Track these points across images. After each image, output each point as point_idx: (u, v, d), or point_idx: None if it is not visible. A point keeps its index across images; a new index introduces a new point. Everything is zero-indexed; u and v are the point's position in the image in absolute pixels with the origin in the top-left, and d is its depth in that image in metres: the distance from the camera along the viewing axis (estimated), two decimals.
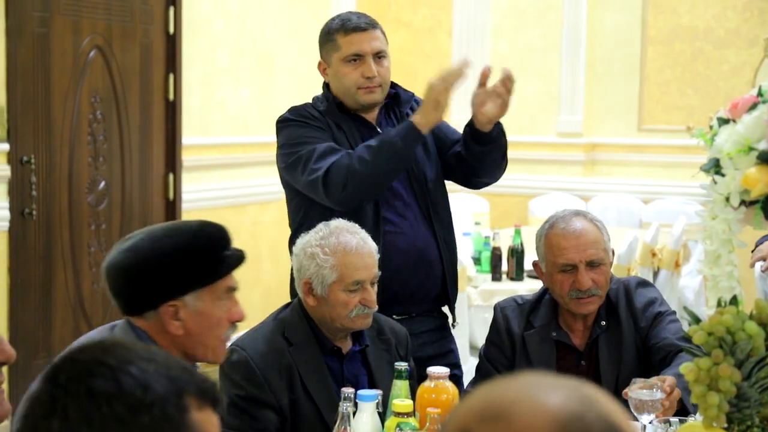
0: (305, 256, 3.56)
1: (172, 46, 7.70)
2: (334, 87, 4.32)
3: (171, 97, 7.72)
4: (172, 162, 7.74)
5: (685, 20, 9.37)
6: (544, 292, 4.02)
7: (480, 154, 4.22)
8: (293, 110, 4.35)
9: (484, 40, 9.93)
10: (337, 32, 4.28)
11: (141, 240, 2.94)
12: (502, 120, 4.20)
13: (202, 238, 2.98)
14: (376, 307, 3.60)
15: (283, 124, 4.30)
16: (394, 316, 4.05)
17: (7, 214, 6.43)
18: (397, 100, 4.42)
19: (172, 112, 7.72)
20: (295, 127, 4.25)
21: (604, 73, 9.67)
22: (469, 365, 6.28)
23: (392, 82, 4.39)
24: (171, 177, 7.76)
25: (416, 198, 4.30)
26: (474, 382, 4.01)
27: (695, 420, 3.05)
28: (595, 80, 9.68)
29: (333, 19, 4.39)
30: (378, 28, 4.33)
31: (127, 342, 1.80)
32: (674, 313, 3.88)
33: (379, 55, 4.26)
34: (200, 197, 7.96)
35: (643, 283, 4.06)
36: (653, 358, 3.74)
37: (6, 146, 6.50)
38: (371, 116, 4.35)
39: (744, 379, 2.53)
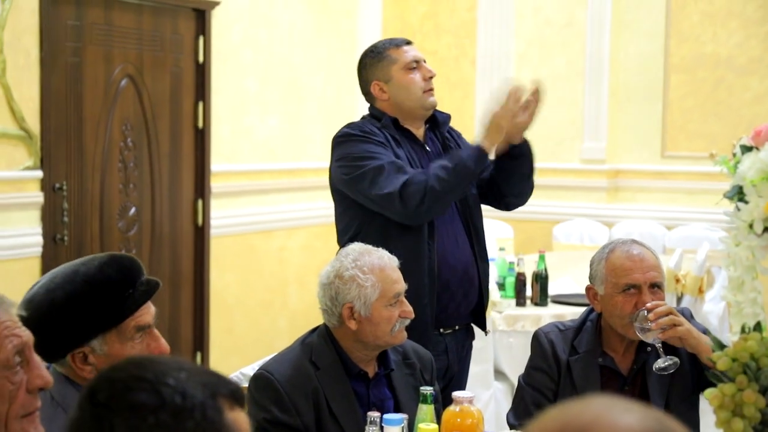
0: (342, 281, 3.54)
1: (201, 74, 7.72)
2: (397, 100, 4.44)
3: (200, 124, 7.73)
4: (201, 188, 7.75)
5: (708, 48, 9.35)
6: (585, 318, 4.00)
7: (510, 168, 4.40)
8: (353, 125, 4.47)
9: (509, 68, 9.92)
10: (387, 49, 4.48)
11: (36, 292, 2.91)
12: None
13: (97, 284, 2.91)
14: (412, 317, 3.62)
15: (343, 138, 4.41)
16: (441, 329, 4.23)
17: (39, 239, 6.45)
18: (436, 122, 4.54)
19: (202, 139, 7.74)
20: (357, 142, 4.35)
21: (627, 101, 9.65)
22: (492, 389, 6.26)
23: None
24: (200, 203, 7.77)
25: (461, 216, 4.46)
26: (516, 409, 3.95)
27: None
28: (618, 107, 9.66)
29: (375, 45, 4.60)
30: (414, 44, 4.59)
31: (155, 356, 1.84)
32: None
33: (425, 62, 4.47)
34: (228, 223, 7.97)
35: (692, 315, 4.05)
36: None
37: (39, 173, 6.53)
38: (420, 134, 4.51)
39: None
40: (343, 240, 4.36)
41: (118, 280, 2.93)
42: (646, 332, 3.64)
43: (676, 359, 3.62)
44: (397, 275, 3.60)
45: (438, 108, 4.47)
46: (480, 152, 4.18)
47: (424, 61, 4.47)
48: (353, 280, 3.53)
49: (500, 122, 4.17)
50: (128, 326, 2.91)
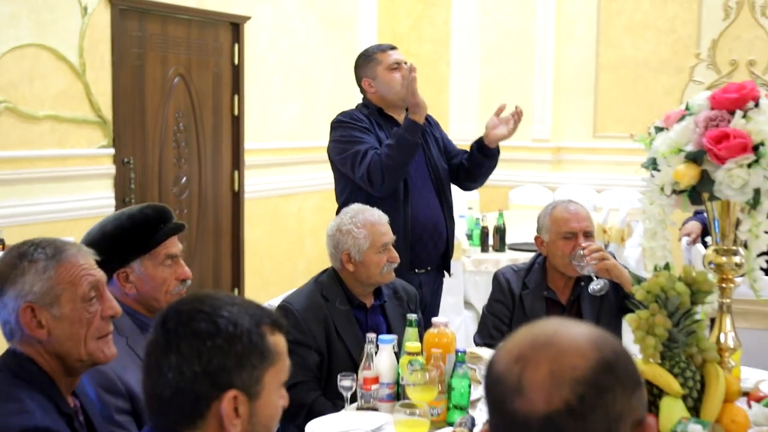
0: (341, 234, 3.58)
1: (236, 74, 7.69)
2: (381, 93, 4.46)
3: (236, 112, 7.70)
4: (237, 162, 7.73)
5: (628, 53, 9.34)
6: (534, 261, 4.03)
7: (482, 162, 4.50)
8: (345, 113, 4.49)
9: (475, 68, 9.91)
10: (375, 53, 4.50)
11: (93, 228, 2.99)
12: None
13: (137, 219, 2.98)
14: (397, 262, 3.63)
15: (337, 123, 4.45)
16: (419, 272, 4.28)
17: (112, 202, 6.45)
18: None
19: (237, 124, 7.71)
20: (345, 128, 4.39)
21: (566, 93, 9.63)
22: (462, 316, 6.28)
23: None
24: (236, 173, 7.74)
25: (433, 185, 4.48)
26: (481, 331, 4.02)
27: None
28: (559, 98, 9.65)
29: (366, 49, 4.61)
30: (398, 49, 4.60)
31: (214, 292, 1.87)
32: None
33: (407, 64, 4.42)
34: (258, 189, 7.95)
35: (615, 258, 4.08)
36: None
37: (111, 151, 6.52)
38: (400, 119, 4.47)
39: (674, 326, 2.52)
40: (339, 201, 4.45)
41: (153, 218, 2.99)
42: (583, 266, 3.72)
43: (606, 281, 3.71)
44: (386, 229, 3.61)
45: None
46: (412, 123, 4.19)
47: (405, 63, 4.45)
48: (349, 233, 3.57)
49: (417, 101, 4.21)
50: (160, 253, 2.96)
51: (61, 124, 6.18)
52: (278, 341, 1.86)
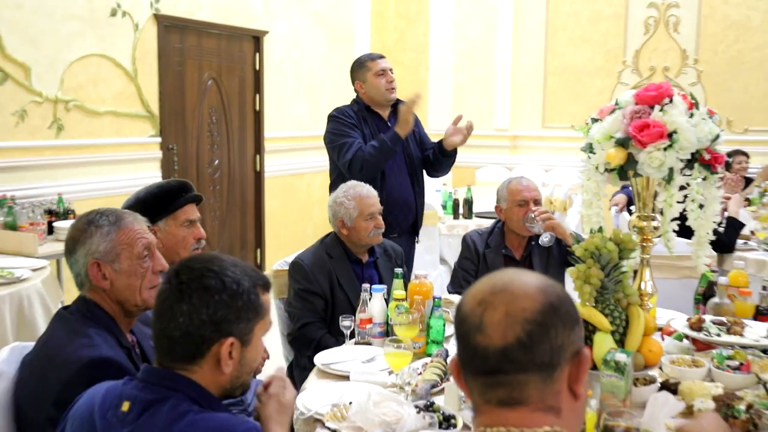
0: (336, 204, 3.58)
1: (257, 77, 7.65)
2: (370, 94, 4.46)
3: (257, 108, 7.66)
4: (258, 148, 7.70)
5: (570, 60, 9.33)
6: (494, 226, 4.03)
7: (442, 160, 4.51)
8: (339, 109, 4.49)
9: (449, 72, 9.88)
10: (366, 61, 4.47)
11: (130, 197, 3.02)
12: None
13: (164, 187, 3.01)
14: (383, 228, 3.62)
15: (331, 117, 4.46)
16: (391, 236, 4.20)
17: (159, 179, 6.43)
18: (397, 107, 4.46)
19: (258, 117, 7.68)
20: (336, 122, 4.40)
21: (521, 92, 9.62)
22: (438, 270, 6.30)
23: None
24: (257, 157, 7.71)
25: (408, 170, 4.48)
26: (453, 282, 4.03)
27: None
28: (516, 96, 9.63)
29: (360, 57, 4.58)
30: (386, 58, 4.57)
31: (219, 254, 1.87)
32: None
33: (391, 71, 4.45)
34: (276, 169, 7.93)
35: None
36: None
37: (158, 139, 6.51)
38: (385, 115, 4.48)
39: (605, 277, 2.53)
40: (331, 179, 4.48)
41: (176, 187, 3.03)
42: (534, 226, 3.78)
43: (552, 235, 3.77)
44: (372, 201, 3.60)
45: (400, 98, 4.47)
46: (395, 135, 4.19)
47: (390, 71, 4.45)
48: (342, 204, 3.57)
49: (407, 118, 4.20)
50: (181, 216, 2.99)
51: (118, 118, 6.18)
52: (267, 300, 1.86)
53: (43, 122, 5.59)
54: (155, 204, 2.96)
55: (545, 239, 3.76)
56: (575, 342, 1.36)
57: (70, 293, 2.27)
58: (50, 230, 5.03)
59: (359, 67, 4.47)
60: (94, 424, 1.73)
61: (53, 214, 5.17)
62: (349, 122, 4.36)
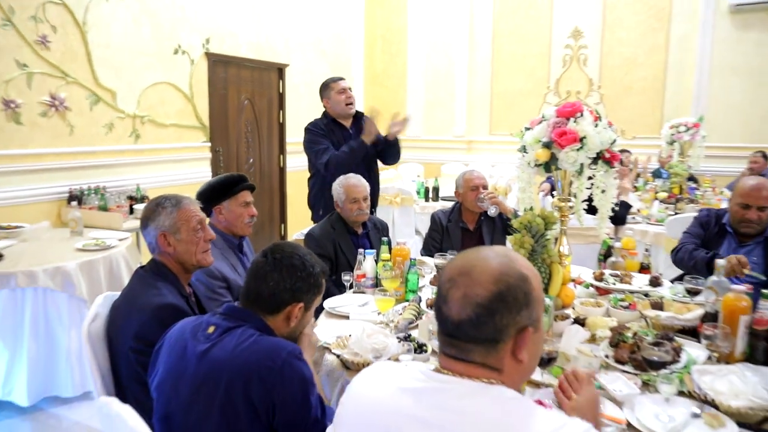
0: (333, 191, 3.56)
1: (281, 98, 7.54)
2: (333, 109, 4.25)
3: (281, 121, 7.55)
4: (282, 150, 7.60)
5: (509, 85, 9.29)
6: (454, 205, 4.00)
7: (388, 150, 4.24)
8: (312, 123, 4.29)
9: (421, 93, 9.82)
10: (330, 83, 4.27)
11: (205, 183, 3.01)
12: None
13: (228, 178, 2.99)
14: (368, 211, 3.57)
15: (307, 129, 4.26)
16: None
17: (209, 174, 6.39)
18: (357, 119, 4.33)
19: (281, 128, 7.57)
20: (311, 133, 4.22)
21: (474, 108, 9.55)
22: (414, 239, 6.30)
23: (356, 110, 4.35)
24: (281, 157, 7.61)
25: (364, 165, 4.22)
26: (425, 248, 3.96)
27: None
28: (470, 111, 9.56)
29: (325, 80, 4.34)
30: (346, 80, 4.34)
31: (298, 245, 1.90)
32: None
33: (350, 89, 4.25)
34: (294, 166, 7.82)
35: None
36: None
37: (209, 144, 6.42)
38: (347, 124, 4.29)
39: (535, 243, 2.53)
40: (310, 174, 4.35)
41: (237, 178, 3.01)
42: (484, 203, 3.75)
43: (497, 207, 3.75)
44: (356, 189, 3.51)
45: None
46: (362, 143, 4.03)
47: (349, 89, 4.25)
48: (335, 190, 3.54)
49: (372, 129, 4.07)
50: (240, 199, 2.98)
51: (179, 129, 6.10)
52: (324, 283, 1.88)
53: (125, 132, 5.53)
54: (222, 189, 2.96)
55: (492, 211, 3.74)
56: (521, 321, 1.27)
57: (146, 256, 2.26)
58: (131, 211, 5.00)
59: (325, 88, 4.28)
60: (185, 342, 1.75)
61: (133, 199, 5.14)
62: (320, 132, 4.19)
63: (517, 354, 1.28)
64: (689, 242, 3.23)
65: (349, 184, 3.53)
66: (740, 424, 1.73)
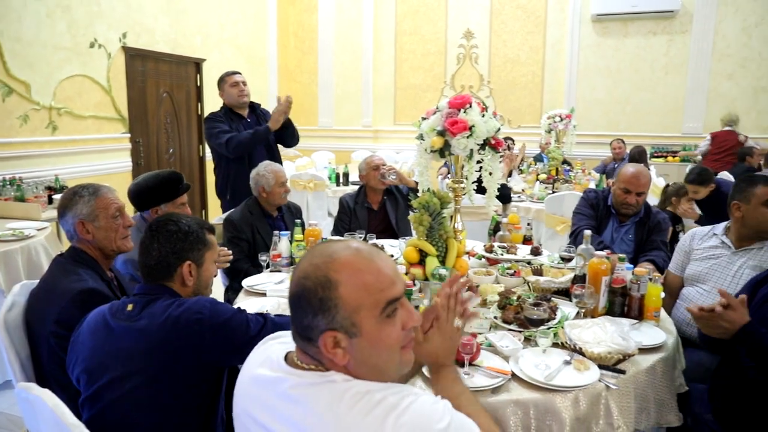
0: (259, 176, 3.44)
1: (199, 91, 7.26)
2: (228, 100, 4.16)
3: (199, 113, 7.26)
4: (201, 140, 7.32)
5: (411, 81, 9.36)
6: (360, 189, 3.97)
7: (284, 132, 4.12)
8: (211, 113, 4.17)
9: (331, 87, 9.72)
10: (225, 77, 4.18)
11: (140, 181, 2.80)
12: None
13: (167, 177, 2.81)
14: (289, 191, 3.50)
15: (207, 118, 4.14)
16: None
17: (130, 164, 6.11)
18: (253, 108, 4.25)
19: (199, 119, 7.27)
20: (211, 120, 4.09)
21: (381, 101, 9.57)
22: (327, 220, 6.27)
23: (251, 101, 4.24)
24: (200, 147, 7.33)
25: (266, 150, 4.13)
26: (335, 229, 3.91)
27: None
28: (377, 103, 9.58)
29: (222, 74, 4.22)
30: (241, 74, 4.22)
31: (178, 213, 1.82)
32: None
33: (244, 83, 4.15)
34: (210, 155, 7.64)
35: None
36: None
37: (128, 135, 6.11)
38: (244, 114, 4.20)
39: (432, 221, 2.58)
40: (215, 163, 4.18)
41: (176, 178, 2.83)
42: (386, 177, 3.75)
43: (397, 176, 3.76)
44: (283, 173, 3.46)
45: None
46: (267, 129, 3.96)
47: (243, 83, 4.15)
48: (264, 176, 3.43)
49: (278, 117, 3.99)
50: (177, 201, 2.82)
51: (98, 120, 5.76)
52: (211, 238, 1.84)
53: (41, 123, 5.14)
54: (162, 193, 2.77)
55: (392, 177, 3.74)
56: (321, 326, 1.12)
57: (67, 245, 2.13)
58: (50, 201, 4.67)
59: (221, 81, 4.18)
60: (106, 322, 1.70)
61: (52, 190, 4.80)
62: (219, 119, 4.09)
63: (330, 355, 1.14)
64: (584, 224, 3.26)
65: (276, 169, 3.44)
66: (600, 366, 1.86)
